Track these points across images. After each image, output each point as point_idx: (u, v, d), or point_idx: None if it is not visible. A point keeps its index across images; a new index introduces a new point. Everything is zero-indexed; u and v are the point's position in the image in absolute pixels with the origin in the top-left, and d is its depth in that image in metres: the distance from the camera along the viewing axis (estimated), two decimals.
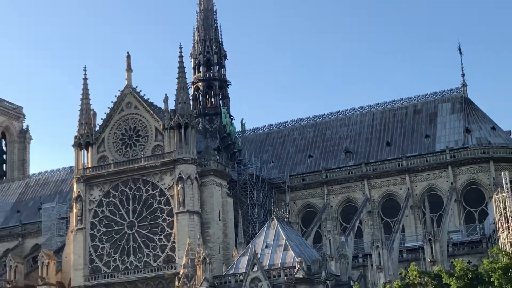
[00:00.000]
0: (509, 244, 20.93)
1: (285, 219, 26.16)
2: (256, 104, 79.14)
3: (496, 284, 14.61)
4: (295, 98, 78.37)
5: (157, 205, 29.98)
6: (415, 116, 34.93)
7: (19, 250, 36.07)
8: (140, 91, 32.32)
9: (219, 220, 30.22)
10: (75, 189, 31.67)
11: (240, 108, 77.95)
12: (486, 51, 70.96)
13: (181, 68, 31.74)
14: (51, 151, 78.96)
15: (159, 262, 28.76)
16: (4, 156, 48.10)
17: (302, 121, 38.03)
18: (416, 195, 31.44)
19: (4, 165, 47.82)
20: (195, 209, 29.16)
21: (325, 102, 78.31)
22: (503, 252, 16.33)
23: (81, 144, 31.87)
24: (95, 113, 32.78)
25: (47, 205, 34.63)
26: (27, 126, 49.67)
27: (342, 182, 32.76)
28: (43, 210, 34.52)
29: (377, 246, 26.08)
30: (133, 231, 29.98)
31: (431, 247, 25.79)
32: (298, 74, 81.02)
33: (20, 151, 47.00)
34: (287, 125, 39.01)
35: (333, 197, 32.79)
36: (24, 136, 48.44)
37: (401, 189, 31.74)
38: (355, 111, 37.41)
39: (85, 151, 32.02)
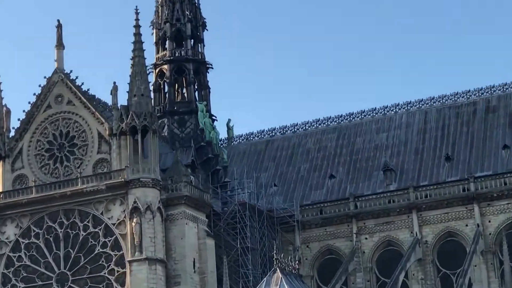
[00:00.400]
0: None
1: (293, 271, 25.70)
2: (249, 99, 76.16)
3: None
4: (306, 91, 74.19)
5: (100, 249, 28.80)
6: (487, 116, 34.46)
7: None
8: (77, 77, 31.67)
9: (194, 272, 29.27)
10: None
11: (226, 104, 74.35)
12: None
13: (137, 43, 30.74)
14: None
15: None
16: None
17: (319, 124, 37.50)
18: (489, 234, 31.17)
19: None
20: (158, 255, 28.09)
21: (353, 96, 73.64)
22: None
23: None
24: (8, 112, 32.38)
25: None
26: None
27: (380, 216, 32.25)
28: None
29: None
30: None
31: None
32: (312, 55, 75.46)
33: None
34: (297, 129, 38.68)
35: (366, 238, 32.32)
36: None
37: (467, 225, 31.30)
38: (399, 109, 37.03)
39: None
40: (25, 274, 30.20)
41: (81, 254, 29.47)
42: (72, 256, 29.55)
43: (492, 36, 75.64)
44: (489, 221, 31.59)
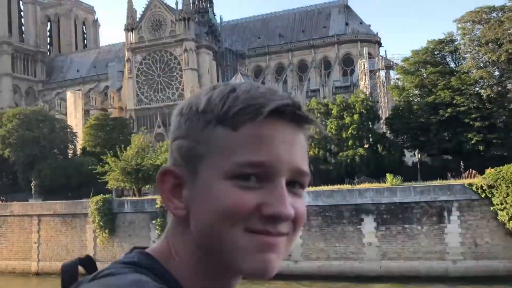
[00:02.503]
0: (365, 87, 68.58)
1: (245, 74, 74.31)
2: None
3: (357, 108, 60.18)
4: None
5: (173, 65, 78.26)
6: (319, 15, 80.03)
7: (96, 89, 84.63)
8: None
9: (208, 74, 78.35)
10: (126, 55, 77.64)
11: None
12: None
13: None
14: (111, 33, 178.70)
15: (176, 96, 78.11)
16: (85, 35, 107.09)
17: (255, 17, 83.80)
18: (317, 60, 79.73)
19: (85, 40, 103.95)
20: (195, 67, 77.74)
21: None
22: (362, 91, 62.62)
23: (128, 29, 77.11)
24: (135, 11, 77.19)
25: (111, 63, 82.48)
26: (97, 17, 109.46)
27: (277, 53, 79.56)
28: (109, 66, 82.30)
29: (294, 89, 76.36)
30: (160, 79, 78.84)
31: (323, 89, 76.83)
32: None
33: (94, 33, 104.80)
34: (246, 19, 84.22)
35: (272, 62, 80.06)
36: (95, 24, 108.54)
37: (309, 57, 79.90)
38: (285, 12, 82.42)
39: (131, 33, 77.42)
40: (144, 74, 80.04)
41: (166, 66, 79.00)
42: (162, 67, 79.08)
43: None
44: (317, 56, 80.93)
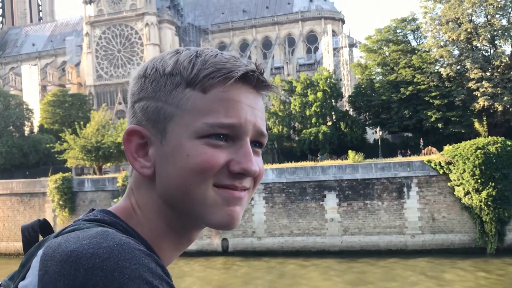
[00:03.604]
0: (328, 65, 68.85)
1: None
2: None
3: (320, 86, 60.50)
4: None
5: (134, 39, 76.41)
6: None
7: (53, 64, 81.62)
8: None
9: (170, 49, 77.02)
10: (84, 29, 75.25)
11: None
12: None
13: None
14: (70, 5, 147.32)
15: None
16: (40, 7, 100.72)
17: None
18: (281, 37, 79.90)
19: (40, 13, 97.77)
20: (157, 42, 76.21)
21: None
22: (325, 69, 62.81)
23: (87, 1, 74.23)
24: None
25: (69, 37, 79.46)
26: None
27: (241, 29, 79.21)
28: (67, 41, 79.23)
29: None
30: (120, 54, 76.88)
31: (287, 67, 76.86)
32: None
33: (49, 5, 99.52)
34: None
35: (235, 38, 79.62)
36: None
37: (273, 34, 79.88)
38: None
39: (90, 6, 74.99)
40: (104, 49, 77.91)
41: (126, 41, 77.12)
42: (123, 41, 77.02)
43: None
44: (281, 32, 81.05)
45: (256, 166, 0.94)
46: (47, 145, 44.06)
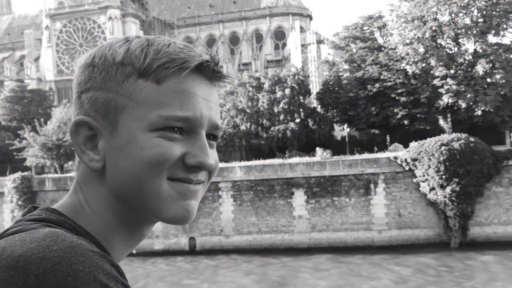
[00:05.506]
0: (296, 62, 69.17)
1: None
2: None
3: (288, 82, 60.29)
4: None
5: (97, 33, 75.00)
6: None
7: (11, 58, 78.91)
8: None
9: None
10: (44, 22, 73.32)
11: None
12: None
13: None
14: None
15: None
16: None
17: None
18: (249, 33, 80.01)
19: None
20: (120, 36, 74.56)
21: None
22: (293, 66, 63.21)
23: None
24: None
25: (27, 31, 76.99)
26: None
27: (208, 24, 78.86)
28: (25, 34, 76.70)
29: (226, 62, 76.12)
30: (82, 48, 75.48)
31: (255, 63, 76.97)
32: None
33: None
34: None
35: (202, 33, 79.44)
36: None
37: (240, 29, 79.87)
38: None
39: None
40: (65, 43, 76.10)
41: (88, 34, 75.58)
42: (85, 36, 75.58)
43: None
44: (249, 28, 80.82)
45: (212, 159, 0.93)
46: (5, 142, 42.84)
